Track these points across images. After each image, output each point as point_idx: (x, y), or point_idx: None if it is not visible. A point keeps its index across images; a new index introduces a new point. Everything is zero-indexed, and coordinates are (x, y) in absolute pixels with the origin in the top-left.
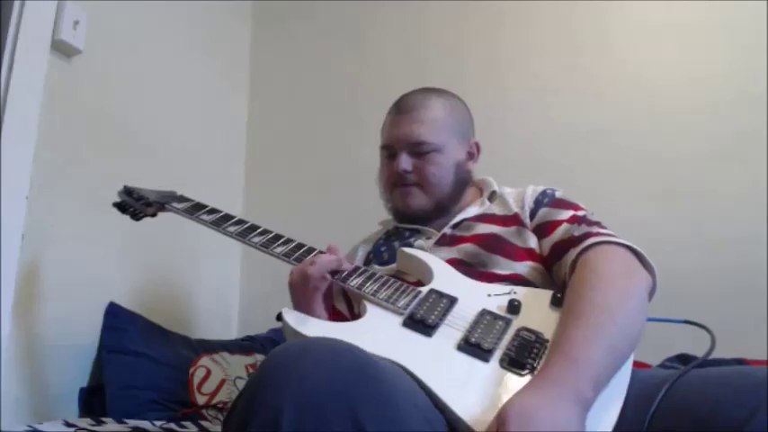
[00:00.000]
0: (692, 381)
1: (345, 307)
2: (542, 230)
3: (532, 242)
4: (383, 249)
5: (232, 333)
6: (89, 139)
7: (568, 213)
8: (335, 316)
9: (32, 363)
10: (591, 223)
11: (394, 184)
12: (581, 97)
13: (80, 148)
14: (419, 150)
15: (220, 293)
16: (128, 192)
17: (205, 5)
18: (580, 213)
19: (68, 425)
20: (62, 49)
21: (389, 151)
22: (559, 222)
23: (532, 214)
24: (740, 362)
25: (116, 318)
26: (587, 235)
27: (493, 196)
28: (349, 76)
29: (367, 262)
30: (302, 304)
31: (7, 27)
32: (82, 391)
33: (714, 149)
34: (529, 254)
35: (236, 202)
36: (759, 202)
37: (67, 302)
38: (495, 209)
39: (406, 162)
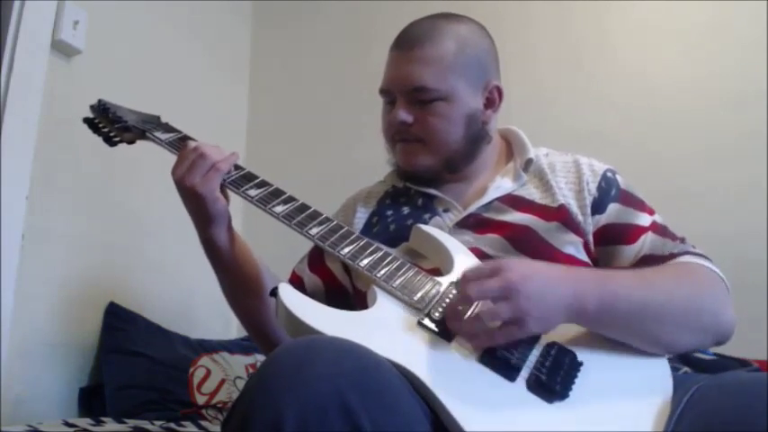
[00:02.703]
0: (714, 388)
1: (341, 269)
2: (617, 234)
3: (572, 247)
4: (389, 215)
5: (232, 333)
6: (89, 139)
7: (647, 219)
8: (324, 273)
9: (32, 363)
10: (680, 239)
11: (393, 137)
12: (581, 97)
13: (80, 148)
14: (420, 98)
15: (220, 293)
16: (103, 107)
17: (205, 5)
18: (658, 220)
19: (68, 425)
20: (62, 49)
21: (387, 97)
22: (641, 229)
23: (596, 207)
24: (742, 362)
25: (116, 318)
26: (687, 253)
27: (528, 165)
28: (349, 75)
29: (369, 226)
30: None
31: (7, 27)
32: (82, 390)
33: (714, 149)
34: (566, 261)
35: (236, 201)
36: (759, 202)
37: (67, 302)
38: (534, 191)
39: (404, 113)
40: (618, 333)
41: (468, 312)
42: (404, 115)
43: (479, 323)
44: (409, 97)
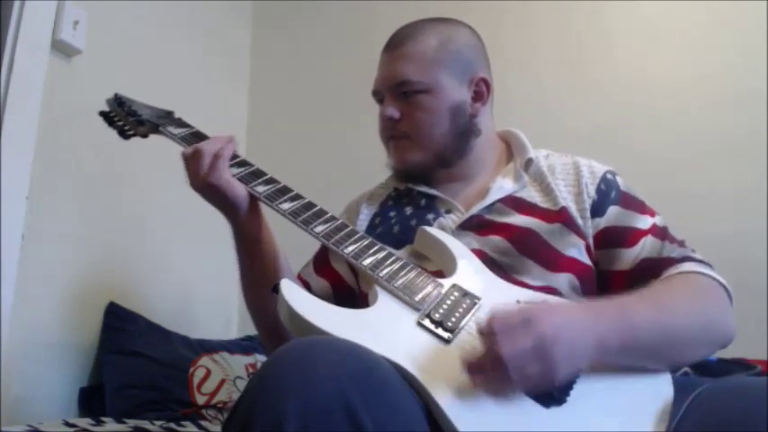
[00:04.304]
0: (715, 393)
1: (348, 270)
2: (616, 237)
3: (574, 249)
4: (392, 215)
5: (232, 333)
6: (89, 139)
7: (647, 221)
8: (331, 275)
9: (32, 363)
10: (679, 242)
11: (386, 136)
12: (581, 97)
13: (80, 148)
14: (404, 92)
15: (220, 293)
16: (119, 102)
17: (205, 5)
18: (659, 222)
19: (68, 425)
20: (62, 49)
21: (378, 97)
22: (641, 233)
23: (596, 209)
24: (742, 362)
25: (116, 318)
26: (688, 258)
27: (528, 165)
28: (349, 76)
29: (372, 227)
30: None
31: (7, 27)
32: (82, 390)
33: (714, 149)
34: (568, 263)
35: None
36: (759, 202)
37: (67, 302)
38: (535, 194)
39: (390, 108)
40: (637, 362)
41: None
42: (390, 110)
43: (507, 379)
44: (395, 93)
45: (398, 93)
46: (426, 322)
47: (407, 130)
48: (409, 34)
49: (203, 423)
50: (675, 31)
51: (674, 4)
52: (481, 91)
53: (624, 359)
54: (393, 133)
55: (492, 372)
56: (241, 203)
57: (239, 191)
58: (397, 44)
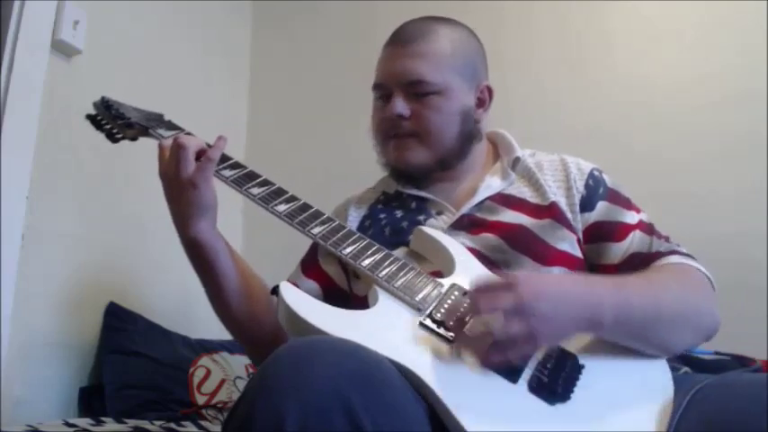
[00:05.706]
0: (716, 389)
1: (340, 270)
2: (606, 232)
3: (566, 243)
4: (382, 218)
5: None
6: (89, 139)
7: (634, 217)
8: (320, 276)
9: (32, 363)
10: (665, 237)
11: (387, 133)
12: (581, 97)
13: (80, 148)
14: (417, 91)
15: None
16: (105, 105)
17: (205, 5)
18: (645, 218)
19: (68, 425)
20: (62, 49)
21: (382, 91)
22: (629, 227)
23: (584, 205)
24: (743, 361)
25: (116, 318)
26: (674, 252)
27: (516, 164)
28: (349, 75)
29: (362, 230)
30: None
31: (7, 27)
32: (82, 390)
33: (714, 149)
34: (561, 257)
35: (236, 202)
36: (759, 202)
37: (67, 302)
38: (525, 189)
39: (401, 105)
40: (630, 341)
41: (475, 325)
42: (401, 108)
43: (488, 337)
44: (406, 91)
45: (410, 91)
46: (428, 322)
47: (416, 129)
48: (421, 32)
49: (203, 423)
50: (675, 31)
51: (673, 4)
52: (484, 98)
53: (616, 335)
54: (398, 131)
55: (469, 327)
56: (209, 211)
57: (213, 197)
58: (408, 40)
